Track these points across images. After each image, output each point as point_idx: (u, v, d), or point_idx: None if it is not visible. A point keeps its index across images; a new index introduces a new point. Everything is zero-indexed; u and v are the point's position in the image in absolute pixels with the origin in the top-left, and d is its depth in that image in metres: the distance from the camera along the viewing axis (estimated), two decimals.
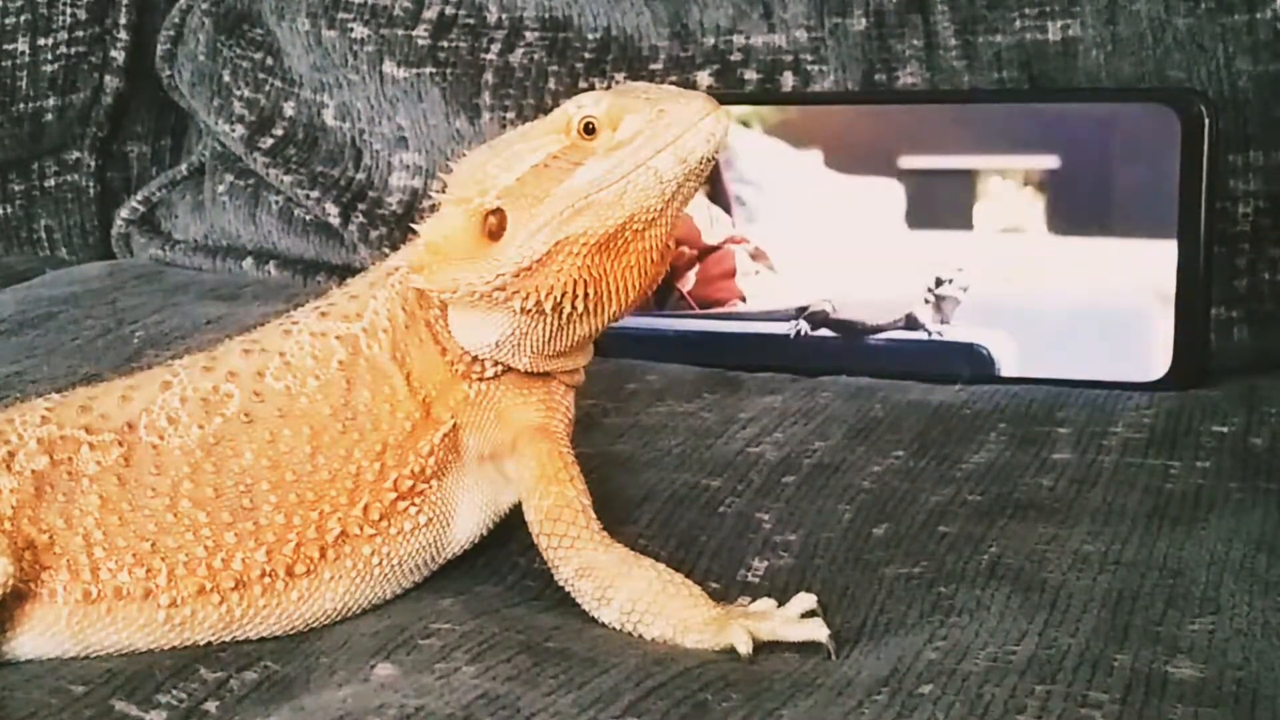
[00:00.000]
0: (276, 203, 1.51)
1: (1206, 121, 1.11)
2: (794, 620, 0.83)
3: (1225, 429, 1.03)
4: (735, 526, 0.89)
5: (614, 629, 0.84)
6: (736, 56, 1.32)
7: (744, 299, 1.22)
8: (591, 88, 1.04)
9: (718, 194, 1.22)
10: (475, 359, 0.88)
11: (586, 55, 1.27)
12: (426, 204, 1.29)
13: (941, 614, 0.82)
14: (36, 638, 0.84)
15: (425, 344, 0.88)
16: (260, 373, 0.87)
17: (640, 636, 0.83)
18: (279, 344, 0.88)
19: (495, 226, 0.84)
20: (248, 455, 0.86)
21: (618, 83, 1.31)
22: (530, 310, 0.85)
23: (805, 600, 0.84)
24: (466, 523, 0.89)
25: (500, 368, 0.88)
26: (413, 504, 0.88)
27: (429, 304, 0.88)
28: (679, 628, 0.83)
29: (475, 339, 0.87)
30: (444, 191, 0.87)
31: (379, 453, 0.87)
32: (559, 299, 0.84)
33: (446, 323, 0.88)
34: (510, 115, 1.36)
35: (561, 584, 0.85)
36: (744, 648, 0.81)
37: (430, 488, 0.88)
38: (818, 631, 0.82)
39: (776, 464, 1.00)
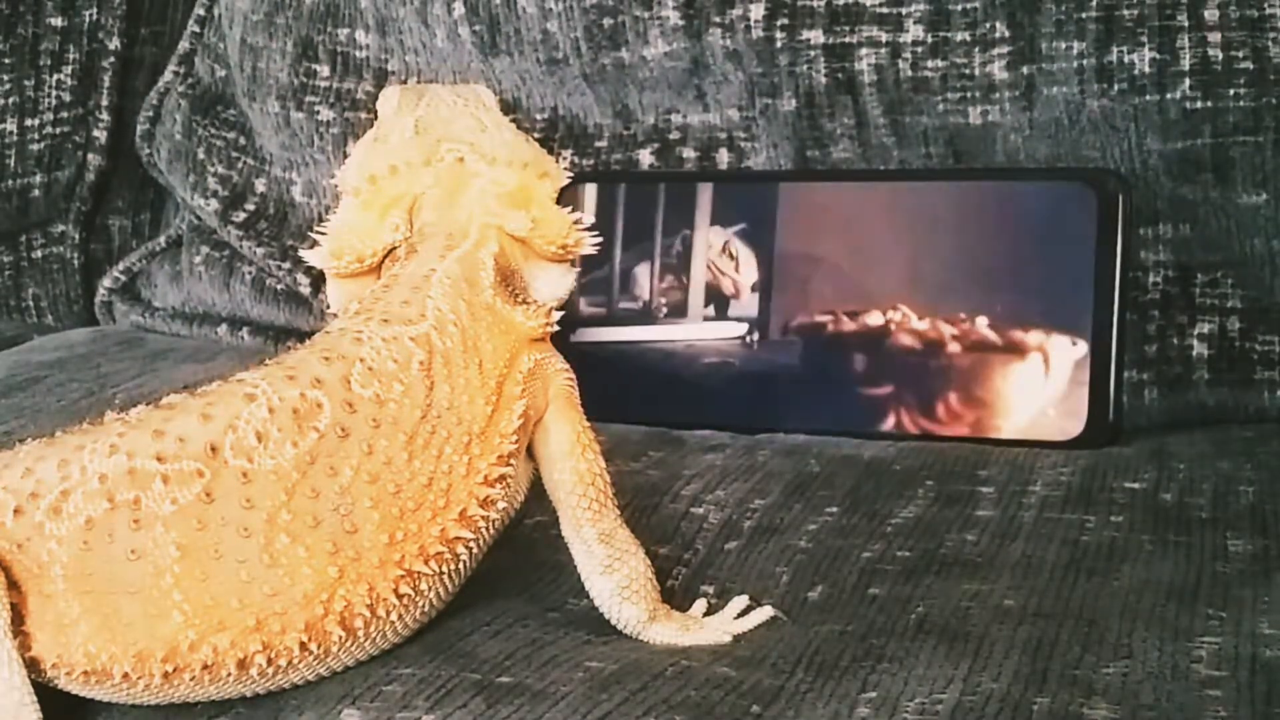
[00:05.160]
0: (249, 273, 1.50)
1: (1121, 198, 1.12)
2: (741, 617, 0.86)
3: (1137, 485, 1.02)
4: (681, 604, 0.88)
5: (600, 597, 0.85)
6: (675, 135, 1.32)
7: None
8: None
9: None
10: (548, 319, 0.87)
11: (536, 135, 1.26)
12: None
13: (872, 661, 0.81)
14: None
15: (491, 326, 0.85)
16: (346, 379, 0.80)
17: (614, 615, 0.85)
18: (357, 350, 0.81)
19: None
20: (346, 472, 0.79)
21: (563, 158, 1.32)
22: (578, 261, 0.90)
23: (740, 600, 0.87)
24: (520, 497, 0.87)
25: (553, 328, 0.88)
26: (497, 490, 0.83)
27: (481, 288, 0.86)
28: (651, 614, 0.84)
29: (555, 291, 0.89)
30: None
31: (466, 445, 0.82)
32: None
33: (510, 297, 0.86)
34: None
35: (578, 544, 0.86)
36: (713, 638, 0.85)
37: (510, 470, 0.84)
38: (765, 613, 0.86)
39: (719, 528, 0.99)
